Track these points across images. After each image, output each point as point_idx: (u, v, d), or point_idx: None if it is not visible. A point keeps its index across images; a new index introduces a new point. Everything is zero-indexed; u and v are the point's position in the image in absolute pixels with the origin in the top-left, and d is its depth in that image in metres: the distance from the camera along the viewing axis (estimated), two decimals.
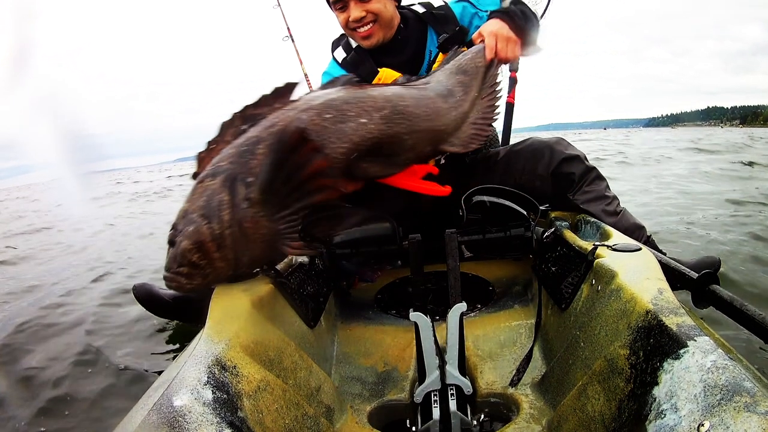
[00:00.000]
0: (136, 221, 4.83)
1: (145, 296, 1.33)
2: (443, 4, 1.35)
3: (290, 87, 0.99)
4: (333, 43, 1.37)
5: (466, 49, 1.22)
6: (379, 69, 1.25)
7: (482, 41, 1.15)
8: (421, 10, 1.32)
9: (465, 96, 1.12)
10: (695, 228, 2.51)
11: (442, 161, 1.37)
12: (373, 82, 1.24)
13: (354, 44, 1.30)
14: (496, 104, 1.17)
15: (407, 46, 1.27)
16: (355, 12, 1.17)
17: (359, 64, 1.26)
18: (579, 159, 1.31)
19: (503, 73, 1.31)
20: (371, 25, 1.19)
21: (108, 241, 3.67)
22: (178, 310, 1.33)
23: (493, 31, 1.14)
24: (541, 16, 1.92)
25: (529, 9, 1.25)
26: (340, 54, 1.31)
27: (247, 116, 0.95)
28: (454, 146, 1.11)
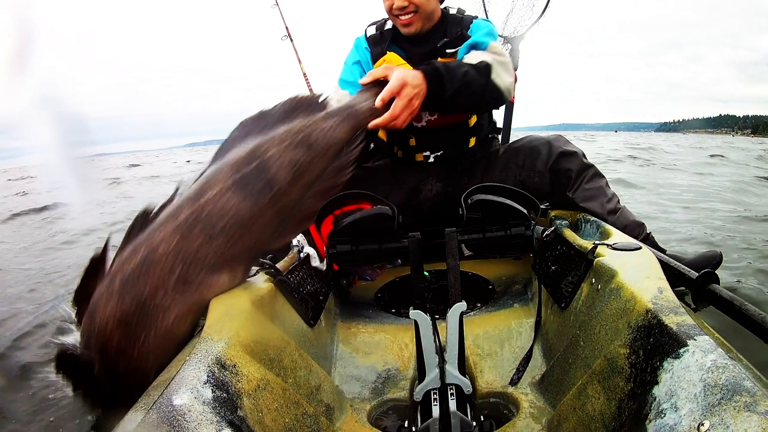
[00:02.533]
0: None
1: None
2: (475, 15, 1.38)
3: (97, 265, 0.83)
4: (372, 22, 1.43)
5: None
6: (388, 52, 1.31)
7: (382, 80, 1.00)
8: (452, 11, 1.37)
9: (294, 183, 0.86)
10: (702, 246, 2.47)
11: (431, 159, 1.39)
12: (376, 66, 1.28)
13: (388, 26, 1.36)
14: (338, 185, 0.96)
15: (430, 41, 1.31)
16: (399, 1, 1.23)
17: (377, 44, 1.35)
18: (576, 155, 1.31)
19: None
20: (412, 14, 1.26)
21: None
22: None
23: (406, 79, 0.99)
24: (541, 15, 1.94)
25: (481, 85, 1.12)
26: (371, 30, 1.38)
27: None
28: (277, 244, 0.91)
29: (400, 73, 1.00)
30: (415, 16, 1.27)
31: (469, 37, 1.29)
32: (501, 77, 1.16)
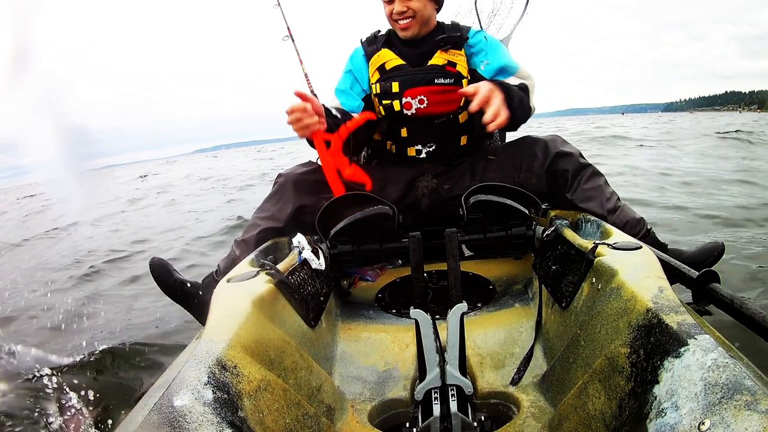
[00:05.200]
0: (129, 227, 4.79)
1: (159, 270, 1.32)
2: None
3: None
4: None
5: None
6: (382, 49, 1.44)
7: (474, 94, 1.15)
8: (449, 22, 1.48)
9: None
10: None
11: (423, 154, 1.45)
12: (372, 61, 1.43)
13: (382, 33, 1.49)
14: None
15: (424, 45, 1.42)
16: (398, 6, 1.35)
17: (372, 44, 1.48)
18: (573, 156, 1.32)
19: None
20: (410, 19, 1.37)
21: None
22: (184, 296, 1.32)
23: (491, 86, 1.16)
24: (523, 13, 1.97)
25: (528, 104, 1.31)
26: (366, 35, 1.52)
27: None
28: None
29: (486, 84, 1.16)
30: (413, 21, 1.36)
31: (467, 38, 1.40)
32: (533, 99, 1.33)
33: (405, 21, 1.37)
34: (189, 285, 1.31)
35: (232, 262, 1.29)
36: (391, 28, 1.46)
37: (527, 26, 2.01)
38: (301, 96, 1.18)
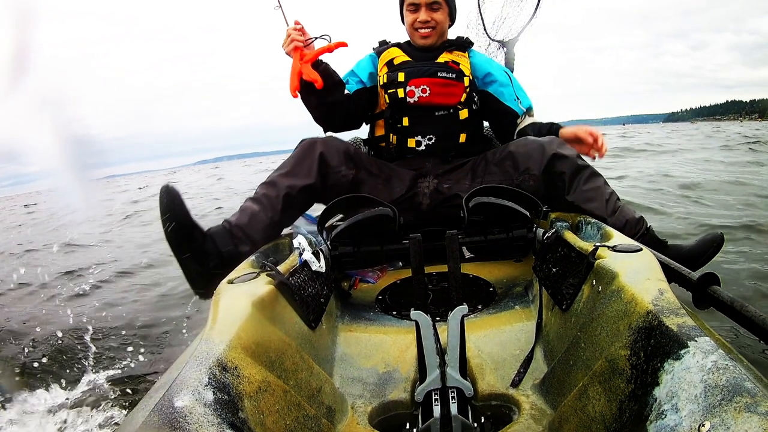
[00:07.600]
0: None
1: (172, 197, 1.12)
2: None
3: None
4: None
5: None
6: (391, 47, 1.57)
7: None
8: (454, 37, 1.62)
9: None
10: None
11: (423, 147, 1.51)
12: (381, 57, 1.56)
13: (391, 42, 1.62)
14: None
15: (431, 50, 1.55)
16: (423, 16, 1.49)
17: (382, 45, 1.62)
18: (570, 157, 1.32)
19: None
20: (431, 29, 1.51)
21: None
22: (188, 241, 1.14)
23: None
24: (533, 16, 1.99)
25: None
26: (377, 43, 1.66)
27: None
28: None
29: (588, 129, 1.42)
30: (433, 31, 1.50)
31: (472, 44, 1.58)
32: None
33: (426, 30, 1.50)
34: (198, 231, 1.17)
35: (251, 216, 1.25)
36: (403, 40, 1.59)
37: (527, 36, 2.02)
38: (297, 22, 1.36)
